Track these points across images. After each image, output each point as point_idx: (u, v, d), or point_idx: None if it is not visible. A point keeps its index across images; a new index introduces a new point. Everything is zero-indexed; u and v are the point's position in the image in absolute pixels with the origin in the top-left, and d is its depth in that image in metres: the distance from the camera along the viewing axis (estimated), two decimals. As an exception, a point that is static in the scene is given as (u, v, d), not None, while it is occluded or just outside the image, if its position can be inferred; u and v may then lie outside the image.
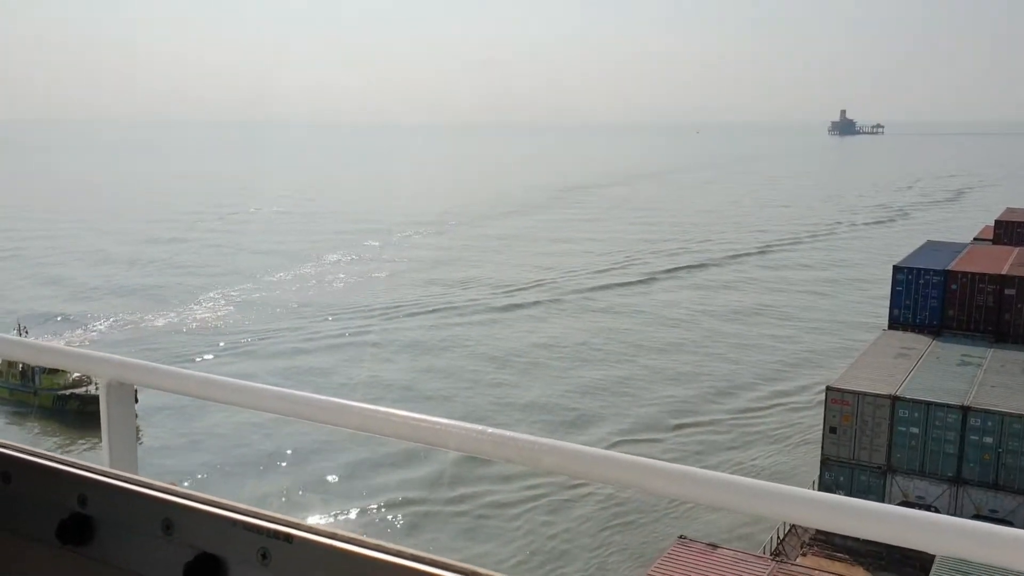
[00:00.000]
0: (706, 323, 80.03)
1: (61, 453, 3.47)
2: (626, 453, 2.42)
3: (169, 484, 2.67)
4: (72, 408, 57.06)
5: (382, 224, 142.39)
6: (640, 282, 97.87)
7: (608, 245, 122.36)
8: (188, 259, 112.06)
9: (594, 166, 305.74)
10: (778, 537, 35.69)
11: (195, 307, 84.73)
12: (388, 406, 2.74)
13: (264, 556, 2.42)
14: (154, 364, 3.25)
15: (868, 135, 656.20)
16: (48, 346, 3.79)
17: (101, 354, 3.35)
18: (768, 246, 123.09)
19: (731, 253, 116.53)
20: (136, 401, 3.38)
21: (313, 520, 2.62)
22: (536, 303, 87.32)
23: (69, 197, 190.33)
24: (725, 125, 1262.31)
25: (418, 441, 2.67)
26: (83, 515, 2.73)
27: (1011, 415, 33.80)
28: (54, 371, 56.22)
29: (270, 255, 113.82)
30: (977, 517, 33.47)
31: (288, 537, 2.41)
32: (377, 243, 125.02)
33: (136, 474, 3.05)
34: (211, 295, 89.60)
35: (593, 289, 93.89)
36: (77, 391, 57.71)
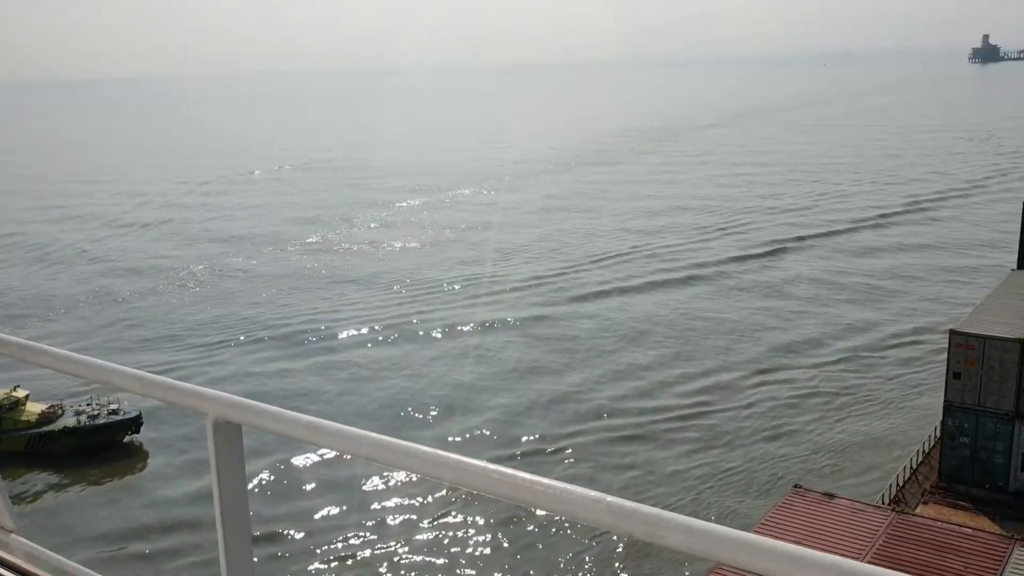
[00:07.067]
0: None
1: None
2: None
3: None
4: (64, 446, 45.77)
5: (447, 178, 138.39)
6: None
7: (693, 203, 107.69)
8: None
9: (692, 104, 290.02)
10: (897, 485, 34.87)
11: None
12: (485, 460, 2.69)
13: None
14: (262, 404, 3.23)
15: (1015, 61, 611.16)
16: (156, 379, 3.61)
17: (209, 391, 3.34)
18: (884, 212, 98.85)
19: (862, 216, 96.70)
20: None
21: None
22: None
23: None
24: (852, 54, 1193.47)
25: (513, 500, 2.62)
26: None
27: None
28: (14, 406, 46.41)
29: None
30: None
31: None
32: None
33: (247, 516, 3.27)
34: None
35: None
36: (66, 426, 46.26)
